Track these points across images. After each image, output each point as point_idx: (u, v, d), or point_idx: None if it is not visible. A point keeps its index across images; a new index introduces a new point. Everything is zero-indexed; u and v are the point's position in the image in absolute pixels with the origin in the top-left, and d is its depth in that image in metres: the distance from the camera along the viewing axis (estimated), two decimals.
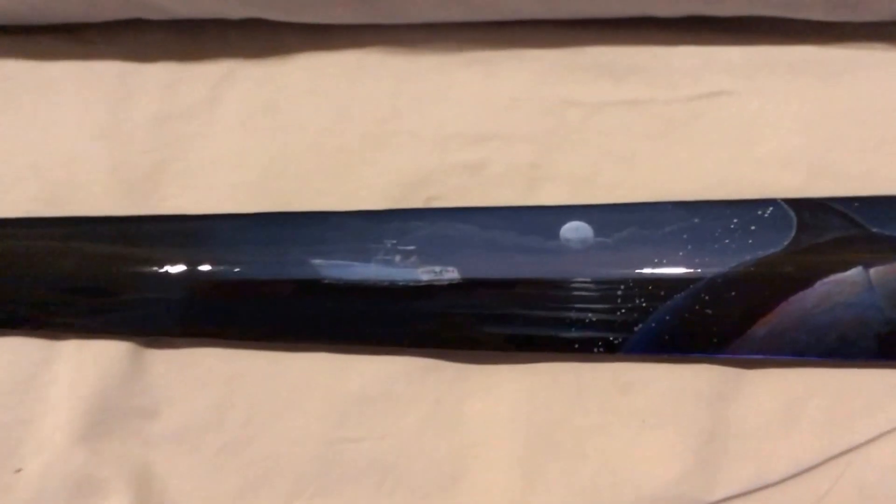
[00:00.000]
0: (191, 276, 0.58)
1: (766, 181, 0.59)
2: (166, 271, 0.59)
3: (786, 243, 0.56)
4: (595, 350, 0.55)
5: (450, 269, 0.57)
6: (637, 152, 0.61)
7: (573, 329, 0.56)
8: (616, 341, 0.56)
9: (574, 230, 0.58)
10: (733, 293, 0.55)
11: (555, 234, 0.58)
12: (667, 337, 0.55)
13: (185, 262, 0.59)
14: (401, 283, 0.57)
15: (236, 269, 0.58)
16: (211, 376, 0.57)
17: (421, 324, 0.57)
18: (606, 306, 0.56)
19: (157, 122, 0.65)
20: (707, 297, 0.55)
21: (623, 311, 0.56)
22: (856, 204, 0.57)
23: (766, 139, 0.61)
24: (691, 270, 0.56)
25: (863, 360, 0.54)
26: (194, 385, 0.57)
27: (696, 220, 0.57)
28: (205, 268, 0.59)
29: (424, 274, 0.57)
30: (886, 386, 0.54)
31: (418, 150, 0.62)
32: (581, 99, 0.62)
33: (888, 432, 0.53)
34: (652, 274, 0.56)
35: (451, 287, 0.57)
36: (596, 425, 0.55)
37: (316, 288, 0.57)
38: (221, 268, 0.58)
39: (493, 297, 0.57)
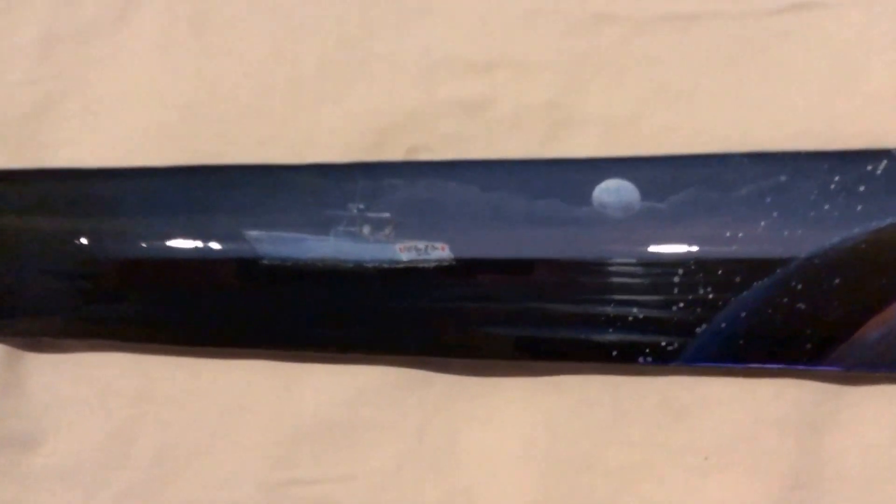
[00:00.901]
0: (84, 255, 0.46)
1: (876, 125, 0.45)
2: (51, 247, 0.47)
3: None
4: (640, 360, 0.43)
5: (438, 245, 0.43)
6: (697, 86, 0.47)
7: (610, 331, 0.43)
8: (670, 348, 0.43)
9: (612, 192, 0.44)
10: (836, 281, 0.42)
11: (585, 198, 0.44)
12: (741, 342, 0.42)
13: (77, 235, 0.46)
14: (370, 265, 0.44)
15: (144, 245, 0.46)
16: (111, 393, 0.47)
17: (399, 322, 0.44)
18: (657, 299, 0.43)
19: (45, 45, 0.52)
20: (799, 287, 0.42)
21: (681, 305, 0.42)
22: None
23: (875, 67, 0.46)
24: (777, 249, 0.42)
25: None
26: (88, 404, 0.47)
27: (783, 179, 0.43)
28: (103, 243, 0.46)
29: (404, 252, 0.44)
30: None
31: (396, 81, 0.49)
32: (620, 12, 0.48)
33: None
34: (721, 253, 0.42)
35: (441, 270, 0.44)
36: (639, 464, 0.44)
37: (253, 271, 0.45)
38: (125, 243, 0.46)
39: (498, 285, 0.44)
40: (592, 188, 0.44)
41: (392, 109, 0.48)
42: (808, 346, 0.42)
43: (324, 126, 0.48)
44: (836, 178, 0.43)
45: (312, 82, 0.49)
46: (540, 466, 0.44)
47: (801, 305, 0.41)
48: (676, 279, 0.42)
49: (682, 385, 0.44)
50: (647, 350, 0.43)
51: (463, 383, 0.45)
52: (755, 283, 0.42)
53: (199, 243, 0.45)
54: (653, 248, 0.43)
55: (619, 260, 0.43)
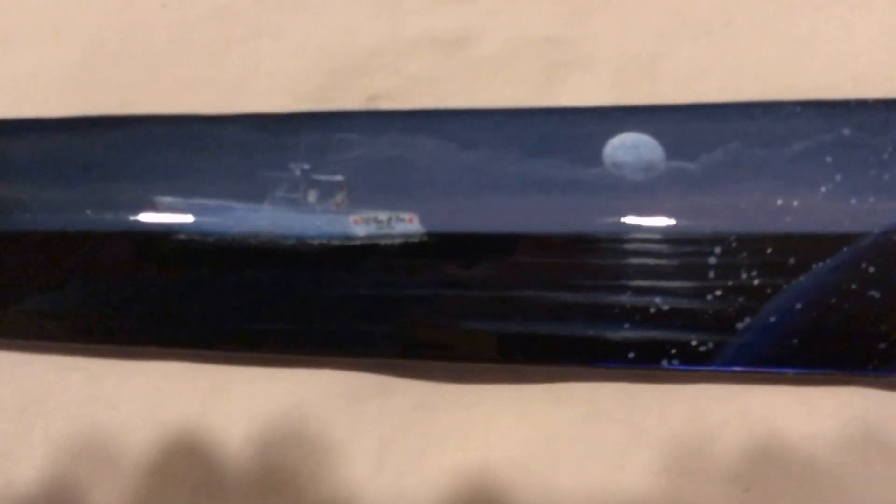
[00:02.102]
0: None
1: None
2: None
3: None
4: (665, 364, 0.35)
5: (405, 216, 0.35)
6: (734, 16, 0.39)
7: (626, 326, 0.35)
8: (703, 349, 0.34)
9: (629, 149, 0.36)
10: None
11: (595, 157, 0.36)
12: (795, 342, 0.34)
13: None
14: (316, 242, 0.36)
15: (27, 216, 0.38)
16: None
17: (353, 314, 0.36)
18: (687, 285, 0.35)
19: None
20: (872, 270, 0.34)
21: (718, 294, 0.34)
22: None
23: None
24: (843, 222, 0.34)
25: None
26: None
27: (847, 132, 0.35)
28: None
29: (360, 225, 0.36)
30: None
31: (353, 10, 0.41)
32: None
33: None
34: (770, 227, 0.34)
35: (408, 248, 0.36)
36: (662, 496, 0.35)
37: (165, 249, 0.37)
38: (3, 214, 0.39)
39: (481, 267, 0.35)
40: (603, 144, 0.36)
41: (348, 46, 0.40)
42: (882, 346, 0.34)
43: (261, 67, 0.41)
44: None
45: (247, 11, 0.41)
46: (535, 498, 0.35)
47: (875, 294, 0.33)
48: (713, 260, 0.34)
49: (718, 396, 0.36)
50: (674, 351, 0.34)
51: (436, 392, 0.37)
52: (814, 266, 0.34)
53: (97, 213, 0.37)
54: (682, 221, 0.35)
55: (637, 235, 0.35)
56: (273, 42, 0.40)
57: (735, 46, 0.39)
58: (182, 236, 0.36)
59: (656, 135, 0.36)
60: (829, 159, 0.35)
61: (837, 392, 0.35)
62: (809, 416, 0.35)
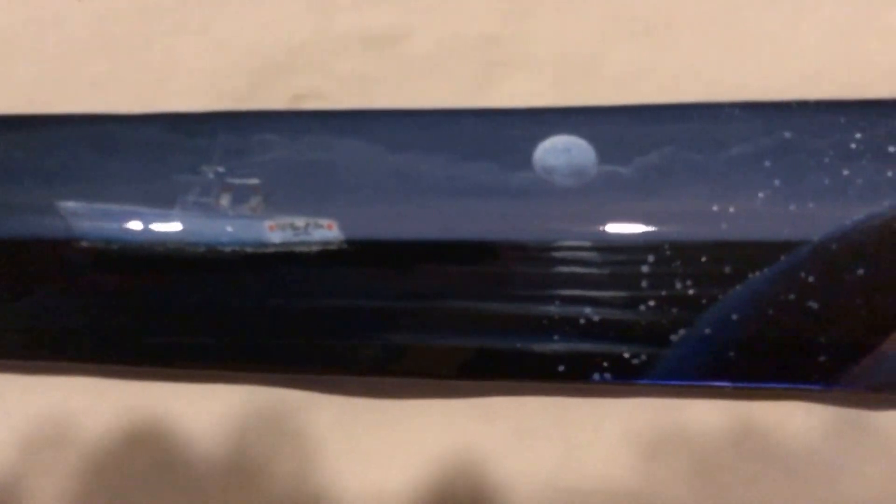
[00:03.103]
0: None
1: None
2: None
3: None
4: (596, 377, 0.34)
5: (323, 222, 0.35)
6: (675, 16, 0.39)
7: (555, 338, 0.34)
8: (636, 361, 0.34)
9: (560, 152, 0.35)
10: (859, 272, 0.33)
11: (524, 161, 0.35)
12: (732, 354, 0.33)
13: None
14: (229, 249, 0.35)
15: None
16: None
17: (268, 326, 0.35)
18: (619, 295, 0.34)
19: None
20: (810, 279, 0.33)
21: (651, 304, 0.34)
22: None
23: None
24: (781, 229, 0.33)
25: None
26: None
27: (788, 136, 0.35)
28: None
29: (275, 231, 0.35)
30: None
31: (282, 8, 0.40)
32: None
33: None
34: (706, 234, 0.34)
35: (326, 256, 0.35)
36: None
37: (68, 257, 0.36)
38: None
39: (403, 276, 0.35)
40: (534, 147, 0.35)
41: (274, 43, 0.40)
42: (823, 359, 0.33)
43: (183, 64, 0.40)
44: (858, 136, 0.35)
45: (169, 6, 0.41)
46: None
47: (813, 305, 0.33)
48: (645, 269, 0.34)
49: (654, 410, 0.35)
50: (606, 364, 0.34)
51: (358, 408, 0.36)
52: (751, 275, 0.33)
53: None
54: (613, 227, 0.34)
55: (567, 243, 0.34)
56: (195, 38, 0.40)
57: (676, 46, 0.38)
58: (84, 243, 0.36)
59: (590, 138, 0.35)
60: (767, 163, 0.34)
61: (779, 406, 0.34)
62: (749, 430, 0.34)
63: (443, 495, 0.35)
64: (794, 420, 0.34)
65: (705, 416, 0.35)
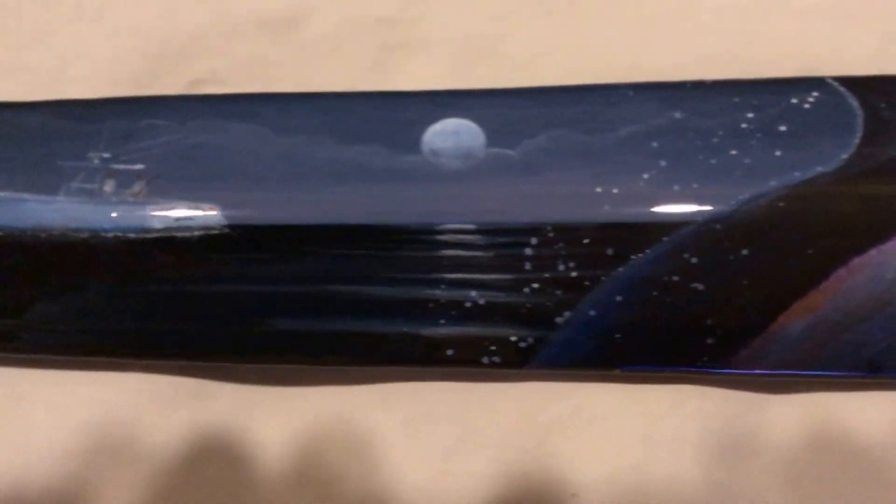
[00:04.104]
0: None
1: (806, 45, 0.37)
2: None
3: (844, 157, 0.34)
4: (485, 361, 0.34)
5: (205, 206, 0.34)
6: None
7: (442, 322, 0.34)
8: (523, 345, 0.34)
9: (449, 135, 0.35)
10: (744, 252, 0.33)
11: (414, 143, 0.35)
12: (618, 336, 0.34)
13: None
14: (111, 235, 0.35)
15: None
16: None
17: (151, 313, 0.35)
18: (504, 278, 0.34)
19: None
20: (695, 261, 0.33)
21: (535, 286, 0.34)
22: None
23: None
24: (664, 209, 0.34)
25: None
26: None
27: (678, 116, 0.35)
28: None
29: (157, 216, 0.35)
30: None
31: None
32: None
33: None
34: (589, 216, 0.34)
35: (208, 241, 0.35)
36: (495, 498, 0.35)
37: None
38: None
39: (288, 261, 0.34)
40: (424, 130, 0.35)
41: (171, 28, 0.40)
42: (710, 341, 0.33)
43: (80, 51, 0.40)
44: (750, 115, 0.35)
45: None
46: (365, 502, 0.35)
47: (699, 286, 0.33)
48: (529, 251, 0.34)
49: (545, 394, 0.35)
50: (493, 348, 0.34)
51: (253, 397, 0.36)
52: (635, 257, 0.33)
53: None
54: (498, 210, 0.34)
55: (451, 226, 0.34)
56: (92, 25, 0.40)
57: (577, 27, 0.38)
58: None
59: (480, 120, 0.35)
60: (655, 144, 0.34)
61: (671, 390, 0.35)
62: (642, 415, 0.35)
63: (339, 482, 0.35)
64: (688, 404, 0.35)
65: (598, 399, 0.35)
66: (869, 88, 0.35)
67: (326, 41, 0.39)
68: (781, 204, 0.33)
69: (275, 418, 0.36)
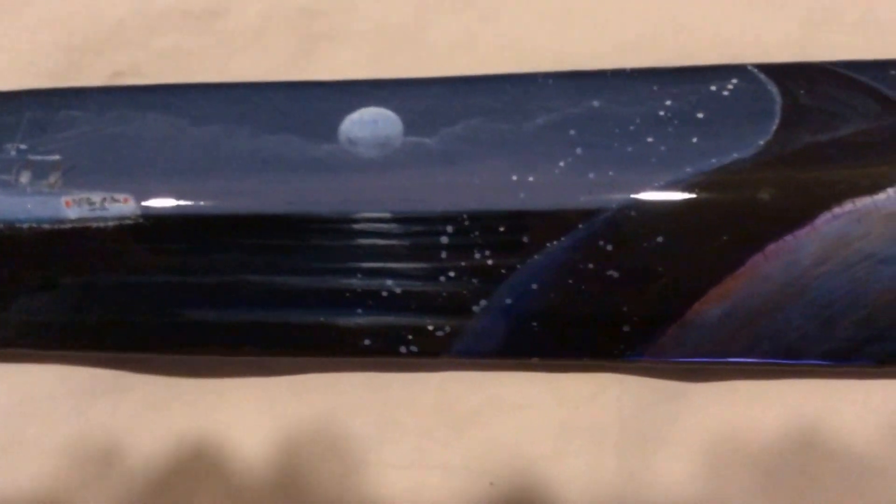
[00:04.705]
0: None
1: (728, 32, 0.38)
2: None
3: (761, 143, 0.34)
4: (403, 350, 0.34)
5: (120, 196, 0.34)
6: None
7: (359, 311, 0.35)
8: (440, 333, 0.34)
9: (367, 124, 0.35)
10: (658, 240, 0.33)
11: (331, 132, 0.35)
12: (534, 325, 0.34)
13: None
14: (27, 226, 0.35)
15: None
16: None
17: (67, 305, 0.35)
18: (419, 267, 0.34)
19: None
20: (610, 248, 0.33)
21: (451, 275, 0.34)
22: (893, 71, 0.35)
23: None
24: (578, 197, 0.34)
25: None
26: None
27: (596, 104, 0.35)
28: None
29: (72, 206, 0.35)
30: None
31: None
32: None
33: None
34: (504, 204, 0.34)
35: (123, 231, 0.35)
36: (408, 491, 0.35)
37: None
38: None
39: (203, 250, 0.35)
40: (342, 120, 0.35)
41: (92, 20, 0.40)
42: (627, 329, 0.33)
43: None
44: (668, 103, 0.35)
45: None
46: (276, 497, 0.35)
47: (614, 273, 0.33)
48: (444, 240, 0.34)
49: (464, 384, 0.35)
50: (411, 337, 0.34)
51: (173, 388, 0.36)
52: (551, 244, 0.33)
53: None
54: (413, 198, 0.34)
55: (367, 214, 0.34)
56: (13, 17, 0.40)
57: (499, 17, 0.39)
58: None
59: (398, 110, 0.36)
60: (572, 132, 0.34)
61: (590, 378, 0.35)
62: (561, 404, 0.35)
63: (259, 474, 0.36)
64: (606, 393, 0.35)
65: (516, 388, 0.35)
66: (789, 75, 0.35)
67: (248, 32, 0.39)
68: (697, 190, 0.33)
69: (193, 410, 0.36)
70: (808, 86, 0.35)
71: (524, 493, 0.34)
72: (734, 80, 0.35)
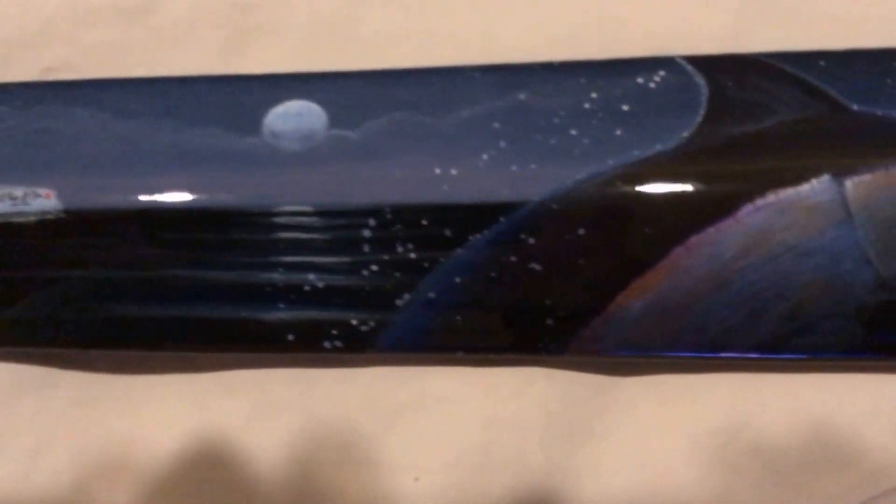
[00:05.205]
0: None
1: (660, 25, 0.38)
2: None
3: (685, 135, 0.34)
4: (328, 345, 0.35)
5: (41, 191, 0.35)
6: None
7: (281, 306, 0.35)
8: (364, 328, 0.34)
9: (292, 117, 0.35)
10: (580, 232, 0.33)
11: (255, 126, 0.35)
12: (458, 318, 0.34)
13: None
14: None
15: None
16: None
17: None
18: (343, 260, 0.34)
19: None
20: (532, 241, 0.33)
21: (374, 269, 0.34)
22: (822, 63, 0.35)
23: None
24: (501, 190, 0.34)
25: (833, 357, 0.34)
26: None
27: (522, 97, 0.35)
28: None
29: None
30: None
31: None
32: None
33: None
34: (426, 197, 0.34)
35: (45, 226, 0.35)
36: (333, 485, 0.35)
37: None
38: None
39: (127, 245, 0.35)
40: (267, 113, 0.35)
41: (22, 15, 0.40)
42: (550, 322, 0.33)
43: None
44: (594, 96, 0.35)
45: None
46: (217, 495, 0.35)
47: (536, 266, 0.33)
48: (367, 233, 0.34)
49: (390, 379, 0.36)
50: (335, 332, 0.34)
51: (100, 385, 0.36)
52: (473, 237, 0.33)
53: None
54: (335, 191, 0.34)
55: (289, 208, 0.34)
56: None
57: (429, 10, 0.38)
58: None
59: (324, 102, 0.35)
60: (496, 125, 0.34)
61: (517, 373, 0.35)
62: (488, 398, 0.35)
63: (186, 471, 0.36)
64: (533, 387, 0.35)
65: (442, 382, 0.35)
66: (718, 67, 0.35)
67: (180, 26, 0.39)
68: (619, 183, 0.33)
69: (120, 406, 0.36)
70: (736, 77, 0.35)
71: (449, 488, 0.34)
72: (662, 73, 0.35)
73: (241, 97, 0.36)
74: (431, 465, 0.34)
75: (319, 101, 0.35)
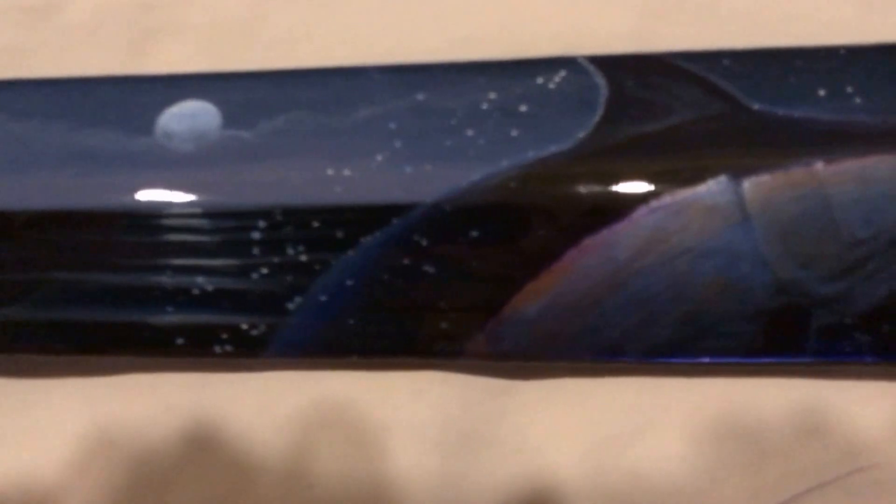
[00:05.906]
0: None
1: (565, 24, 0.38)
2: None
3: (581, 135, 0.34)
4: (219, 349, 0.34)
5: None
6: None
7: (169, 309, 0.34)
8: (255, 332, 0.34)
9: (186, 118, 0.35)
10: (473, 234, 0.33)
11: (148, 126, 0.35)
12: (352, 322, 0.34)
13: None
14: None
15: None
16: None
17: None
18: (232, 263, 0.34)
19: None
20: (425, 243, 0.33)
21: (264, 272, 0.34)
22: (725, 62, 0.34)
23: None
24: (394, 191, 0.33)
25: (733, 361, 0.33)
26: None
27: (421, 98, 0.35)
28: None
29: None
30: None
31: None
32: None
33: None
34: (317, 198, 0.34)
35: None
36: (225, 494, 0.35)
37: None
38: None
39: (10, 247, 0.34)
40: (161, 113, 0.35)
41: None
42: (444, 325, 0.33)
43: None
44: (492, 96, 0.35)
45: None
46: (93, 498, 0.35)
47: (430, 269, 0.33)
48: (257, 235, 0.33)
49: (284, 385, 0.35)
50: (225, 336, 0.34)
51: None
52: (363, 240, 0.33)
53: None
54: (226, 192, 0.34)
55: (176, 210, 0.34)
56: None
57: (336, 10, 0.38)
58: None
59: (220, 103, 0.35)
60: (393, 125, 0.34)
61: (414, 377, 0.35)
62: (384, 403, 0.35)
63: (83, 476, 0.35)
64: (429, 392, 0.35)
65: (337, 388, 0.35)
66: (619, 67, 0.35)
67: (84, 27, 0.39)
68: (512, 184, 0.33)
69: (12, 410, 0.36)
70: (637, 77, 0.34)
71: (344, 494, 0.34)
72: (562, 73, 0.35)
73: (136, 97, 0.35)
74: (327, 471, 0.34)
75: (215, 101, 0.35)
